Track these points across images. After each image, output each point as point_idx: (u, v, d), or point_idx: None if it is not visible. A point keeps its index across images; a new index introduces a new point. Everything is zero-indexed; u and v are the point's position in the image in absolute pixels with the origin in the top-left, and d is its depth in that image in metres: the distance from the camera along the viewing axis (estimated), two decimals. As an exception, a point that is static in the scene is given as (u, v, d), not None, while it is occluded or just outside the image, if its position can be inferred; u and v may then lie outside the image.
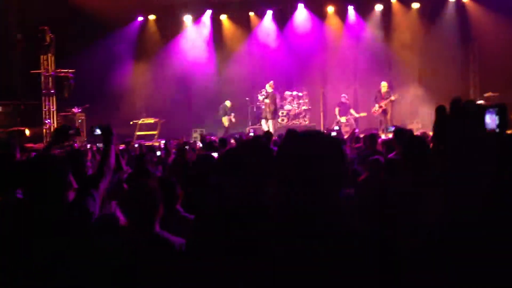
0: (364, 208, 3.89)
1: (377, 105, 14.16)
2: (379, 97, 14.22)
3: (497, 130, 2.08)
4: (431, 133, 8.24)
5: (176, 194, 3.55)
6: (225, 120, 15.32)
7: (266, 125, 14.21)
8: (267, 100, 14.35)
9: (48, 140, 13.51)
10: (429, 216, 2.65)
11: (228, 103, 15.37)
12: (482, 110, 2.09)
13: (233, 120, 15.28)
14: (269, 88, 14.58)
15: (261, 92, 15.48)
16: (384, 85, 14.27)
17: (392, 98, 14.02)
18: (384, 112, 14.13)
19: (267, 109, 14.34)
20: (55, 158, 2.71)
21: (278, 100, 14.74)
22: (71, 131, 3.56)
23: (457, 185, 2.29)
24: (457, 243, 1.92)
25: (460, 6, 15.73)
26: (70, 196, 2.68)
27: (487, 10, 14.84)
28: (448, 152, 2.23)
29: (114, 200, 4.14)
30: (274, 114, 14.35)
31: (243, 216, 2.80)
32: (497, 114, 2.12)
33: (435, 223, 2.24)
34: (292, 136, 1.95)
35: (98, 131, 3.31)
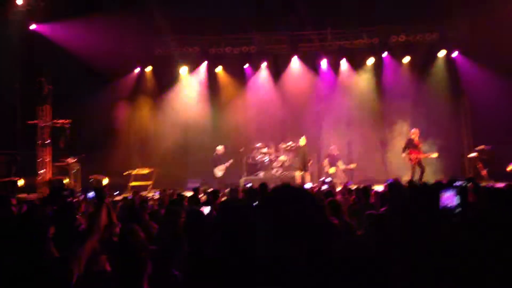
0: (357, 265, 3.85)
1: (414, 155, 13.54)
2: (412, 145, 13.65)
3: (458, 210, 2.16)
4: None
5: (171, 257, 3.53)
6: (217, 171, 15.26)
7: (300, 176, 14.55)
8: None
9: (42, 193, 13.45)
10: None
11: (219, 149, 15.42)
12: (438, 190, 2.19)
13: (224, 169, 15.23)
14: (303, 141, 14.88)
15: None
16: (415, 133, 13.79)
17: (434, 155, 13.60)
18: (419, 163, 13.60)
19: (301, 161, 14.67)
20: (39, 217, 2.72)
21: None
22: (65, 192, 3.65)
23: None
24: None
25: (449, 60, 16.18)
26: (55, 253, 2.68)
27: (476, 65, 15.25)
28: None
29: (104, 254, 4.10)
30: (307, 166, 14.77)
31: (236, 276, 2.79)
32: (458, 194, 2.21)
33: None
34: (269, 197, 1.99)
35: (90, 194, 3.45)
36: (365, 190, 7.00)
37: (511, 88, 13.81)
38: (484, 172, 13.19)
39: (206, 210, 5.10)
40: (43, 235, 2.55)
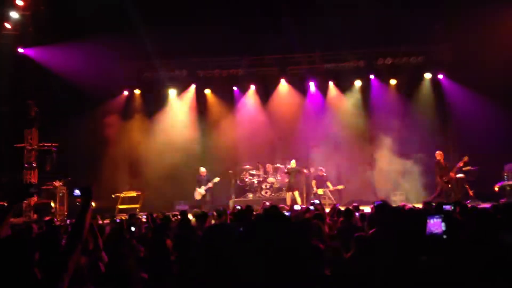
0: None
1: (451, 174, 13.40)
2: (442, 167, 13.55)
3: (444, 236, 2.18)
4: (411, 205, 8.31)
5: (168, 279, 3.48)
6: (197, 193, 15.07)
7: (293, 197, 14.78)
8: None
9: (29, 216, 13.27)
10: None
11: (201, 170, 15.19)
12: (424, 216, 2.22)
13: (203, 192, 14.97)
14: (293, 163, 15.15)
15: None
16: (440, 155, 13.75)
17: (465, 159, 13.27)
18: (452, 183, 13.47)
19: (292, 182, 14.94)
20: (19, 243, 2.64)
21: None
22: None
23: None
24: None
25: (435, 83, 16.40)
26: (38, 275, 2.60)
27: (461, 87, 15.49)
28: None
29: (90, 280, 4.03)
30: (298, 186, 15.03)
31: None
32: (443, 221, 2.23)
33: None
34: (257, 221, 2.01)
35: (77, 192, 3.16)
36: (349, 212, 6.97)
37: (496, 109, 13.99)
38: (471, 193, 13.28)
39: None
40: (24, 255, 2.48)
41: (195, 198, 15.01)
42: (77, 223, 2.92)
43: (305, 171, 15.34)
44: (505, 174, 13.24)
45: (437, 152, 13.89)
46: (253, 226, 1.83)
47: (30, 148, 14.10)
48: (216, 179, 14.92)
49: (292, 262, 1.78)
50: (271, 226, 1.82)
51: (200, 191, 14.92)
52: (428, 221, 2.30)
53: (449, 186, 13.50)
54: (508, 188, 12.97)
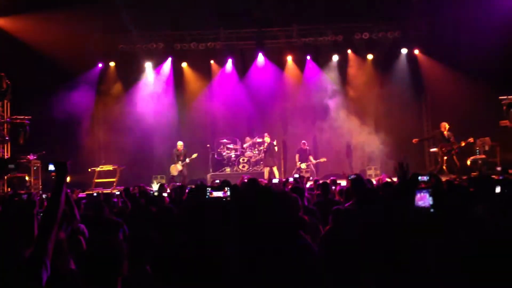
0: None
1: (444, 148, 13.33)
2: (441, 138, 13.46)
3: (432, 210, 2.24)
4: (388, 180, 8.47)
5: (148, 252, 3.44)
6: (173, 169, 15.00)
7: (271, 171, 14.82)
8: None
9: None
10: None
11: (179, 145, 15.06)
12: (413, 190, 2.28)
13: (180, 167, 14.88)
14: (267, 138, 15.09)
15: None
16: (445, 126, 13.55)
17: (462, 144, 13.05)
18: (449, 155, 13.26)
19: (270, 157, 14.92)
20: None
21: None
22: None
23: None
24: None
25: (411, 58, 16.56)
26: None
27: (437, 63, 15.70)
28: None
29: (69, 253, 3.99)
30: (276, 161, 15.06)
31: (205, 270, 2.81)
32: (430, 195, 2.29)
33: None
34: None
35: (51, 167, 3.02)
36: (325, 186, 7.04)
37: (468, 85, 14.20)
38: (444, 167, 13.58)
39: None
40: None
41: (171, 173, 14.93)
42: (51, 202, 2.75)
43: (306, 146, 15.36)
44: (477, 148, 13.57)
45: (442, 123, 13.82)
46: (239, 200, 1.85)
47: (2, 121, 13.78)
48: (194, 155, 14.84)
49: (278, 234, 1.81)
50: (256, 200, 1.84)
51: (177, 167, 14.83)
52: (416, 194, 2.36)
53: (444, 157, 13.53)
54: (479, 161, 13.33)
